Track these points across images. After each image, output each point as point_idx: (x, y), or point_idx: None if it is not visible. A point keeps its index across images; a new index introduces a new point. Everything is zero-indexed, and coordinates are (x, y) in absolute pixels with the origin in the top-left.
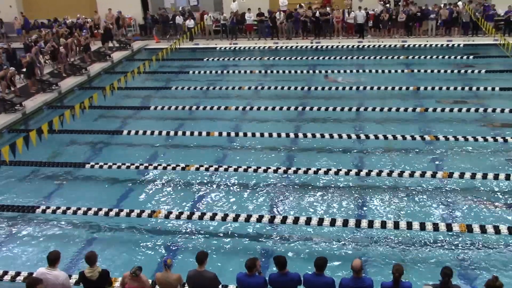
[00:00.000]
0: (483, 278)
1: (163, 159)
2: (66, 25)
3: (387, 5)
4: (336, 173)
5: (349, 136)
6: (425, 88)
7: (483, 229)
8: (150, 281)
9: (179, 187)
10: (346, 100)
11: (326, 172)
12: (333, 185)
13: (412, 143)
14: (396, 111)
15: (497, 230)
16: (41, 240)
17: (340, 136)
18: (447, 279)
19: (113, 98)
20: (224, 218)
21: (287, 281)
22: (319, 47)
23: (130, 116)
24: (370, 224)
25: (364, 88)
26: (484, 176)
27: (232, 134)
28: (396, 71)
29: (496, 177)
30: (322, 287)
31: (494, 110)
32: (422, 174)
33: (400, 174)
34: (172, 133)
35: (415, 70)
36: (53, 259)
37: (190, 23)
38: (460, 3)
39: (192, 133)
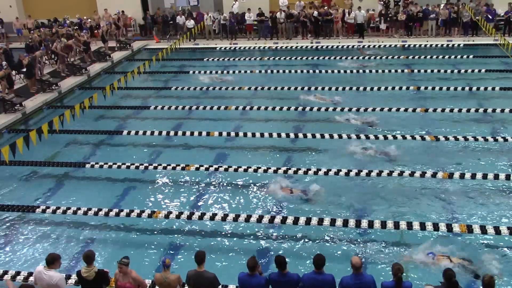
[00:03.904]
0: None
1: (163, 159)
2: (66, 25)
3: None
4: (336, 173)
5: (349, 136)
6: (425, 88)
7: (483, 230)
8: (149, 281)
9: (179, 187)
10: (346, 100)
11: (326, 173)
12: (333, 185)
13: (412, 143)
14: (396, 111)
15: (497, 231)
16: (41, 240)
17: (340, 136)
18: (453, 280)
19: (113, 98)
20: (224, 218)
21: (287, 281)
22: (319, 47)
23: (130, 116)
24: (370, 224)
25: (364, 88)
26: (484, 176)
27: (232, 134)
28: (396, 71)
29: (496, 177)
30: (323, 285)
31: (494, 110)
32: (423, 174)
33: (401, 174)
34: (172, 133)
35: (415, 70)
36: (49, 261)
37: (190, 23)
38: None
39: (192, 133)
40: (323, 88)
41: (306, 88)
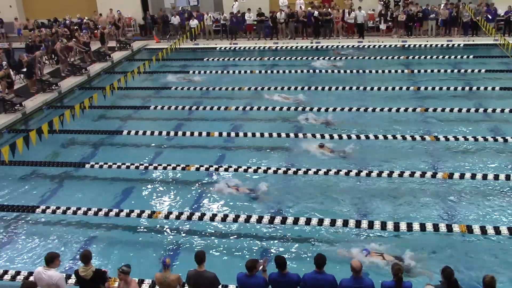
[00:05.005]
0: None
1: (163, 159)
2: (65, 25)
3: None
4: (336, 173)
5: (349, 137)
6: (425, 88)
7: (483, 230)
8: (149, 281)
9: (179, 187)
10: (346, 100)
11: (326, 172)
12: (333, 185)
13: (412, 143)
14: (396, 111)
15: (497, 231)
16: (41, 240)
17: (340, 136)
18: (452, 279)
19: (113, 98)
20: (224, 218)
21: (286, 281)
22: (319, 47)
23: (130, 116)
24: (370, 224)
25: (364, 88)
26: (484, 176)
27: (232, 134)
28: (396, 71)
29: (496, 177)
30: (324, 285)
31: (494, 110)
32: (422, 174)
33: (400, 174)
34: (172, 133)
35: (415, 70)
36: (48, 260)
37: (193, 23)
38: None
39: (192, 133)
40: (323, 88)
41: (306, 88)
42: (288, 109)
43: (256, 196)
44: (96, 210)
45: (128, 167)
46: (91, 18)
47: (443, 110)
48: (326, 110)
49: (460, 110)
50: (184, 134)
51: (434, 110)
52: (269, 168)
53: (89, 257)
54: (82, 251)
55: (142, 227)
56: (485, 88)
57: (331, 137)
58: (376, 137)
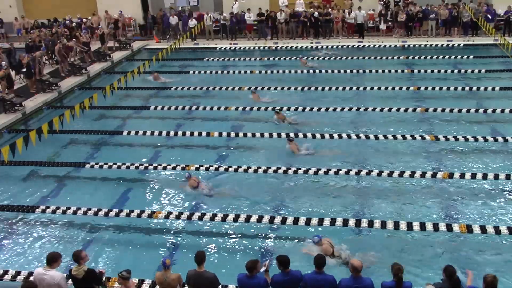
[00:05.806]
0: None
1: (163, 159)
2: (65, 25)
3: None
4: (336, 173)
5: (349, 136)
6: (425, 88)
7: (483, 230)
8: (149, 281)
9: (179, 187)
10: (346, 100)
11: (326, 172)
12: (333, 185)
13: (412, 143)
14: (396, 111)
15: (497, 231)
16: (41, 240)
17: (340, 136)
18: (454, 277)
19: (113, 98)
20: (224, 218)
21: (290, 279)
22: (319, 47)
23: (130, 116)
24: (370, 224)
25: (364, 88)
26: (484, 176)
27: (232, 134)
28: (396, 71)
29: (496, 177)
30: (324, 285)
31: (494, 110)
32: (422, 174)
33: (400, 174)
34: (172, 133)
35: (415, 70)
36: (49, 260)
37: (191, 23)
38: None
39: (192, 133)
40: (323, 89)
41: (306, 88)
42: (288, 109)
43: (257, 196)
44: (96, 210)
45: (128, 167)
46: (91, 16)
47: (443, 110)
48: (326, 110)
49: (460, 110)
50: (184, 134)
51: (434, 110)
52: (269, 168)
53: (80, 256)
54: (73, 252)
55: (142, 227)
56: (485, 88)
57: (331, 136)
58: (376, 137)
